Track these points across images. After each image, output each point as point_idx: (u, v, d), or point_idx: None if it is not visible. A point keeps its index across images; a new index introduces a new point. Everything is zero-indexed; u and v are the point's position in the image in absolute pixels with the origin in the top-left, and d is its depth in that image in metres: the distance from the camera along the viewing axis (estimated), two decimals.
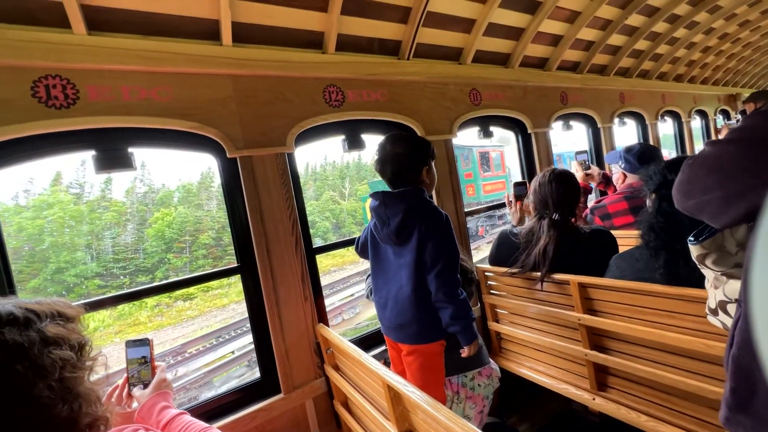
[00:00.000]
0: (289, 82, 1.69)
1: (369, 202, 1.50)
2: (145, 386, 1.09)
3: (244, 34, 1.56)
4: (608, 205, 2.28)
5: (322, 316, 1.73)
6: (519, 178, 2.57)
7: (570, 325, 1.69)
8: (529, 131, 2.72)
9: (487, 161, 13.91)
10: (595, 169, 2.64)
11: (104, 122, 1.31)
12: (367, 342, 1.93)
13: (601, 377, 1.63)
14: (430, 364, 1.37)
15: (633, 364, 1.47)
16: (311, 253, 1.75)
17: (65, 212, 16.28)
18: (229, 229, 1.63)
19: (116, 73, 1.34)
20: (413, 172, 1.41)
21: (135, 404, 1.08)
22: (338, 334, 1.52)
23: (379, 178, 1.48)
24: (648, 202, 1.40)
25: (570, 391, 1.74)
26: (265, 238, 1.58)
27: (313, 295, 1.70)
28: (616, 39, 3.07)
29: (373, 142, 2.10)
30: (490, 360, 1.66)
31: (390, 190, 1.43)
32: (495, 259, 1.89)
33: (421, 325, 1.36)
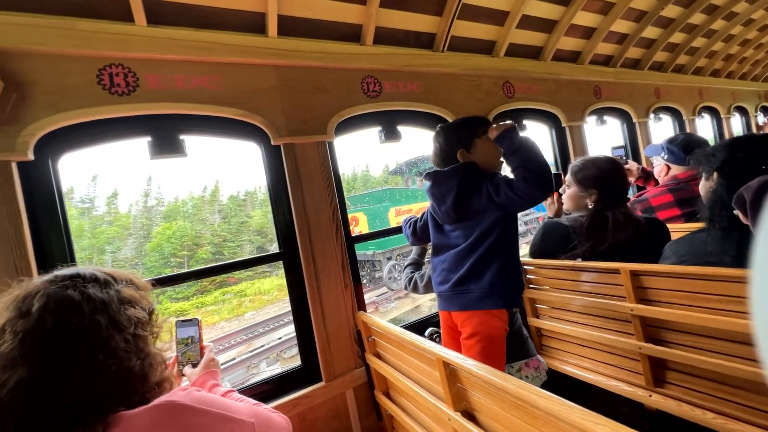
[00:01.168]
0: (328, 72, 1.73)
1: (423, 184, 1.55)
2: (194, 366, 1.10)
3: (287, 26, 1.61)
4: (651, 198, 2.18)
5: (361, 305, 1.71)
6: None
7: (620, 317, 1.60)
8: (564, 125, 2.66)
9: None
10: (633, 164, 2.55)
11: (160, 108, 1.37)
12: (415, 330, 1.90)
13: (658, 372, 1.53)
14: (491, 349, 1.31)
15: (696, 356, 1.37)
16: (350, 241, 1.75)
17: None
18: (271, 217, 1.65)
19: (172, 63, 1.40)
20: (450, 156, 1.44)
21: (185, 382, 1.09)
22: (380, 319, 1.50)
23: None
24: (707, 184, 1.34)
25: (622, 389, 1.64)
26: (307, 225, 1.60)
27: (353, 283, 1.69)
28: (650, 31, 2.99)
29: (408, 133, 2.12)
30: (537, 353, 1.59)
31: (436, 170, 1.46)
32: (540, 250, 1.80)
33: (484, 291, 1.33)
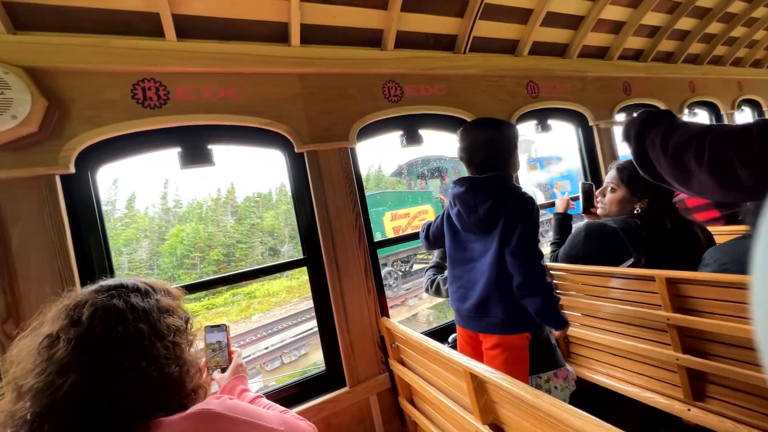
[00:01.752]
0: (350, 78, 1.73)
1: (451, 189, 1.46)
2: (223, 370, 1.13)
3: (310, 34, 1.63)
4: (687, 200, 2.08)
5: (384, 311, 1.71)
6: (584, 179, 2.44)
7: (655, 326, 1.53)
8: (591, 124, 2.57)
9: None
10: None
11: (189, 120, 1.41)
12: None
13: (697, 385, 1.45)
14: (515, 358, 1.28)
15: (740, 369, 1.29)
16: (372, 247, 1.75)
17: None
18: (296, 223, 1.67)
19: (199, 75, 1.44)
20: (504, 156, 1.35)
21: (215, 387, 1.12)
22: (404, 326, 1.50)
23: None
24: None
25: (657, 401, 1.57)
26: (330, 230, 1.61)
27: (375, 288, 1.69)
28: (684, 22, 2.84)
29: (430, 137, 2.10)
30: (566, 362, 1.55)
31: (473, 176, 1.37)
32: (581, 255, 1.69)
33: (507, 315, 1.28)
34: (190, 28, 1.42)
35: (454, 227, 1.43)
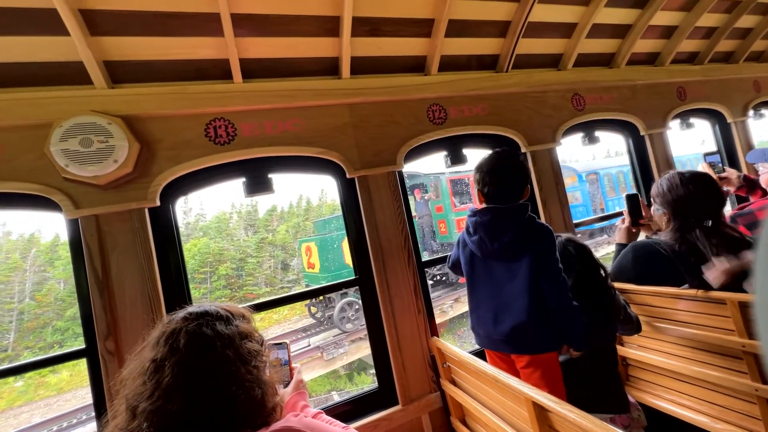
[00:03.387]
0: (396, 105, 1.81)
1: (467, 218, 1.47)
2: (285, 386, 1.20)
3: (358, 66, 1.73)
4: (756, 212, 1.92)
5: (434, 331, 1.74)
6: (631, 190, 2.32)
7: (728, 353, 1.43)
8: (642, 133, 2.46)
9: (462, 191, 11.19)
10: (731, 172, 2.26)
11: (253, 153, 1.55)
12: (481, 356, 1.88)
13: None
14: (550, 373, 1.28)
15: None
16: (421, 267, 1.79)
17: None
18: (347, 243, 1.76)
19: (261, 112, 1.58)
20: (520, 187, 1.40)
21: None
22: (456, 347, 1.52)
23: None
24: None
25: None
26: (381, 252, 1.67)
27: (425, 308, 1.72)
28: (746, 20, 2.66)
29: (474, 156, 2.12)
30: (634, 407, 1.47)
31: (496, 206, 1.39)
32: (636, 273, 1.63)
33: (540, 335, 1.30)
34: (254, 69, 1.57)
35: (472, 252, 1.45)
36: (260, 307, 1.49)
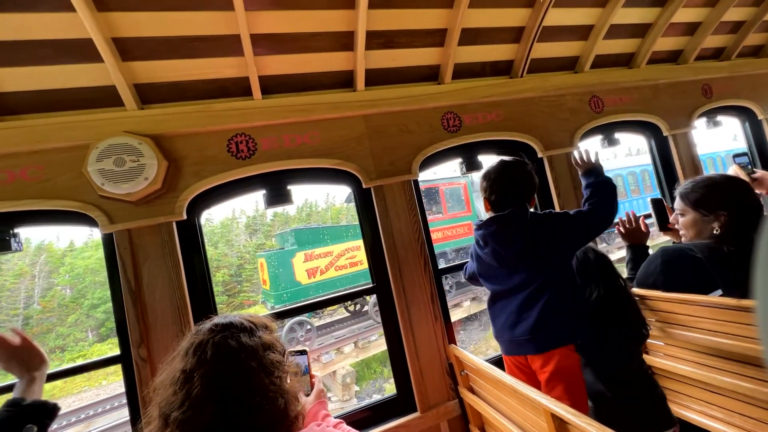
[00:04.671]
0: (410, 114, 1.83)
1: (475, 231, 1.48)
2: (306, 395, 1.24)
3: (373, 77, 1.76)
4: None
5: (451, 338, 1.74)
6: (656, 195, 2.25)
7: (761, 363, 1.37)
8: (665, 134, 2.39)
9: (440, 200, 10.42)
10: (764, 174, 2.15)
11: (273, 167, 1.61)
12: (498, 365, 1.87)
13: None
14: (573, 386, 1.27)
15: None
16: (437, 274, 1.80)
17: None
18: (364, 253, 1.79)
19: (279, 126, 1.63)
20: (526, 196, 1.43)
21: None
22: (473, 355, 1.52)
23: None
24: None
25: None
26: (397, 260, 1.70)
27: (442, 315, 1.73)
28: None
29: (489, 161, 2.11)
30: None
31: (498, 214, 1.40)
32: (664, 279, 1.54)
33: (560, 328, 1.31)
34: (272, 86, 1.63)
35: (489, 264, 1.45)
36: (281, 315, 1.54)
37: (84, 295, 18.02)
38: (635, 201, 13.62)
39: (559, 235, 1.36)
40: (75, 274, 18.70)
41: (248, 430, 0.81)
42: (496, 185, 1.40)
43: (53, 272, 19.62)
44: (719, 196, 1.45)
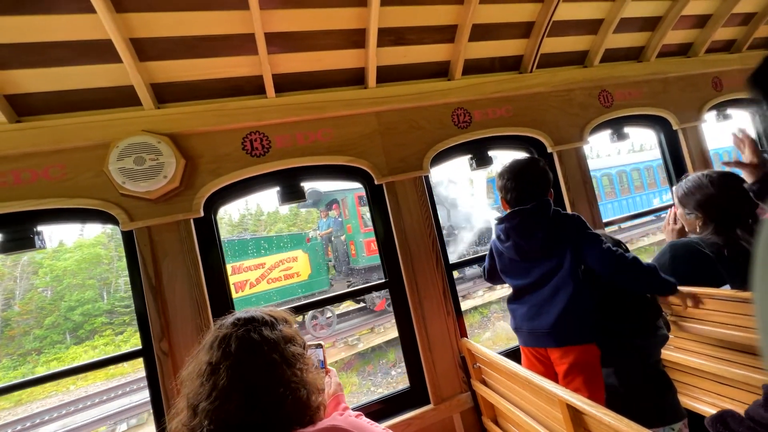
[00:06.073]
0: (421, 111, 1.84)
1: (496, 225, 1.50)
2: (322, 387, 1.26)
3: (384, 74, 1.78)
4: None
5: (463, 332, 1.77)
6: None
7: None
8: (675, 127, 2.38)
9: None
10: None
11: (287, 164, 1.63)
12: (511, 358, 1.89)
13: None
14: (591, 378, 1.29)
15: None
16: (449, 270, 1.82)
17: (83, 254, 18.77)
18: (377, 247, 1.81)
19: (293, 124, 1.65)
20: (542, 191, 1.44)
21: None
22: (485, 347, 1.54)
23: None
24: None
25: None
26: (409, 255, 1.72)
27: (454, 310, 1.75)
28: None
29: (499, 157, 2.12)
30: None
31: (520, 207, 1.42)
32: (673, 273, 1.53)
33: (582, 324, 1.33)
34: (285, 84, 1.65)
35: (510, 258, 1.47)
36: (299, 310, 1.57)
37: (62, 297, 18.01)
38: (638, 197, 13.54)
39: (578, 236, 1.37)
40: (53, 276, 18.68)
41: (273, 419, 0.84)
42: (511, 183, 1.43)
43: (33, 274, 19.60)
44: (693, 199, 1.51)
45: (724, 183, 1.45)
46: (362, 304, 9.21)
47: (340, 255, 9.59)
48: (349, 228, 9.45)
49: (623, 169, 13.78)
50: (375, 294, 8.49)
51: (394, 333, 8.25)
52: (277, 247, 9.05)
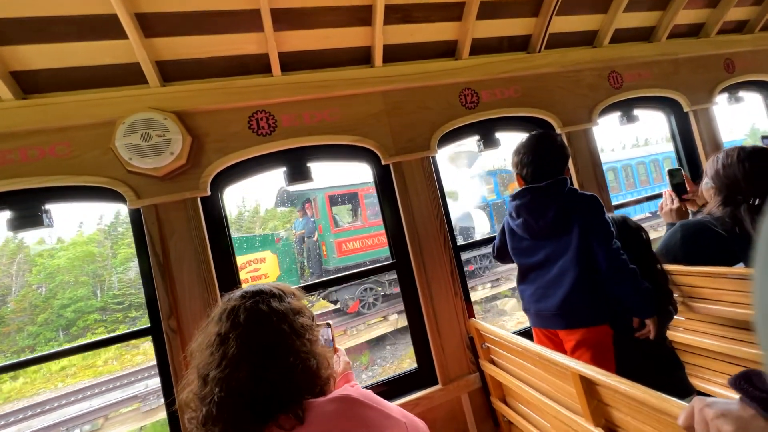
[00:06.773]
0: (428, 90, 1.82)
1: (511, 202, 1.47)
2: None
3: (391, 53, 1.75)
4: None
5: (471, 313, 1.76)
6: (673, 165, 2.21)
7: None
8: (686, 110, 2.34)
9: (350, 208, 9.81)
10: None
11: (293, 143, 1.61)
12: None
13: None
14: (602, 355, 1.27)
15: None
16: (456, 251, 1.80)
17: (76, 252, 18.76)
18: (384, 229, 1.80)
19: (299, 103, 1.64)
20: (559, 167, 1.41)
21: None
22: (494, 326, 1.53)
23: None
24: None
25: None
26: (417, 236, 1.70)
27: (462, 291, 1.74)
28: None
29: (507, 139, 2.10)
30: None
31: (534, 185, 1.39)
32: (684, 253, 1.55)
33: (590, 306, 1.30)
34: (291, 62, 1.63)
35: (520, 237, 1.46)
36: (307, 290, 1.56)
37: (55, 294, 18.06)
38: (643, 192, 13.43)
39: (589, 221, 1.33)
40: (47, 273, 18.78)
41: (283, 388, 0.83)
42: (527, 158, 1.40)
43: (27, 272, 19.71)
44: (713, 167, 1.48)
45: (747, 157, 1.40)
46: (337, 306, 8.89)
47: (313, 256, 9.20)
48: (320, 228, 9.04)
49: (629, 163, 13.64)
50: (347, 296, 8.44)
51: (367, 335, 8.20)
52: (248, 247, 8.66)
